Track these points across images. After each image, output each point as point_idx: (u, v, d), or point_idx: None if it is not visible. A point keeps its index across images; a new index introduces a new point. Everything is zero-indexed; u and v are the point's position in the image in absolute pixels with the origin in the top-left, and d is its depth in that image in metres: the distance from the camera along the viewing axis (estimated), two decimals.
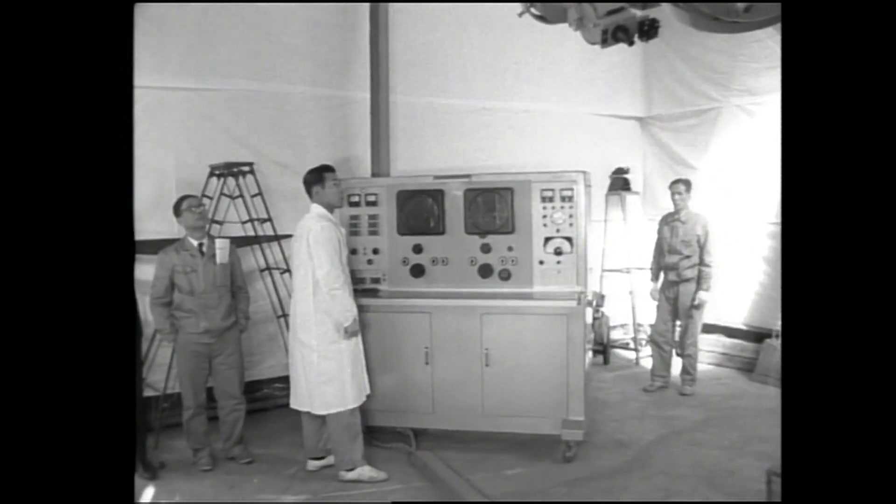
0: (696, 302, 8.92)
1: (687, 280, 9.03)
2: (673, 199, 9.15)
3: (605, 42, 3.82)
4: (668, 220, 9.31)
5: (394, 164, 9.07)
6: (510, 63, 10.19)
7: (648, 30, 3.78)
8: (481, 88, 10.10)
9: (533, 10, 4.29)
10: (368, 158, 8.97)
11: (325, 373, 6.24)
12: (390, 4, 9.06)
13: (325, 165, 6.60)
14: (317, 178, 6.44)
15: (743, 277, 10.29)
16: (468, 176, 7.24)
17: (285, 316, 8.12)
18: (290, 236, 7.12)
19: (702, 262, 8.92)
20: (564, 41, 7.14)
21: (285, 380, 7.29)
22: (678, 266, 9.07)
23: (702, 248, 8.92)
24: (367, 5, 9.04)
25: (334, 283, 6.16)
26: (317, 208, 6.39)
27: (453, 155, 9.70)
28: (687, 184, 9.19)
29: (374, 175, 8.74)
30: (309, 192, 6.46)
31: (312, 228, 6.21)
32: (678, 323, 9.37)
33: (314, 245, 6.17)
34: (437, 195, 7.21)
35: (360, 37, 9.09)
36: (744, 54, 10.08)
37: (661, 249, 9.32)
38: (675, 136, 11.33)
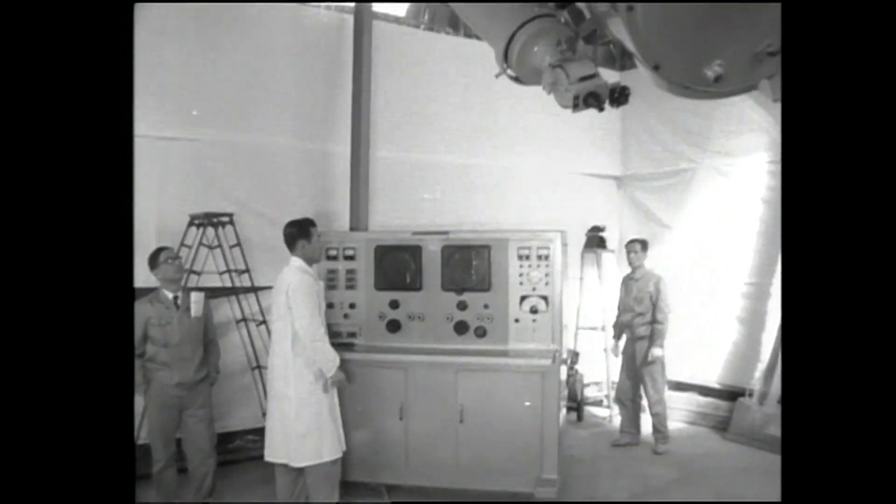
0: (649, 359, 8.97)
1: (641, 337, 9.11)
2: (628, 257, 9.28)
3: (576, 107, 3.91)
4: (626, 279, 9.43)
5: (372, 217, 9.14)
6: (490, 120, 10.33)
7: (619, 97, 3.89)
8: (461, 145, 10.23)
9: (509, 71, 4.38)
10: (347, 212, 9.04)
11: (303, 424, 6.21)
12: (374, 62, 9.20)
13: (309, 220, 6.62)
14: (302, 232, 6.44)
15: (717, 336, 10.37)
16: (446, 233, 7.31)
17: (260, 368, 8.11)
18: (267, 288, 7.14)
19: (654, 320, 8.99)
20: (543, 100, 7.26)
21: (258, 431, 7.26)
22: (632, 324, 9.18)
23: (654, 305, 8.99)
24: (350, 62, 9.18)
25: (315, 333, 6.14)
26: (297, 261, 6.39)
27: (432, 210, 9.79)
28: (643, 243, 9.30)
29: (352, 229, 8.80)
30: (291, 244, 6.44)
31: (292, 281, 6.22)
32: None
33: (294, 297, 6.17)
34: (415, 251, 7.27)
35: (343, 91, 9.22)
36: (719, 116, 10.27)
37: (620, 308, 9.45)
38: (651, 195, 11.48)
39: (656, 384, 9.12)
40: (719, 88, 3.88)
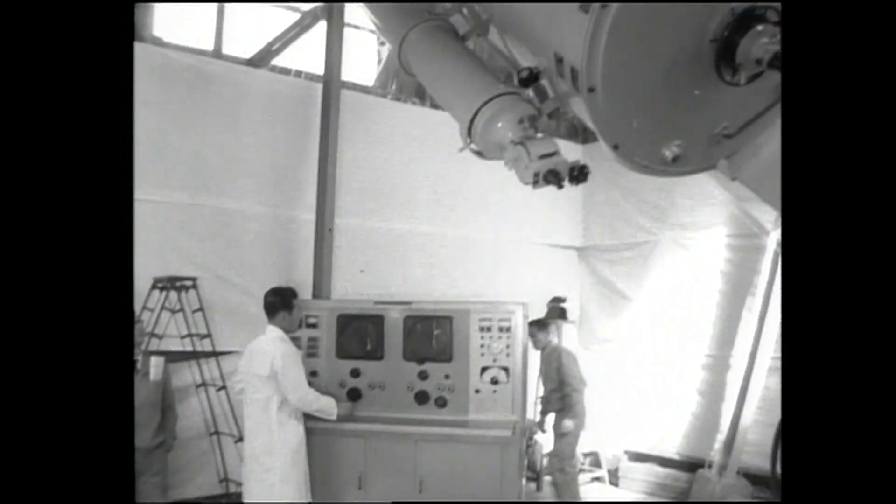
0: (562, 430, 9.03)
1: (555, 410, 9.21)
2: (531, 341, 9.32)
3: (536, 183, 3.98)
4: (540, 357, 9.56)
5: (335, 285, 9.15)
6: (454, 190, 10.44)
7: (578, 175, 3.96)
8: (425, 214, 10.33)
9: (472, 146, 4.46)
10: (310, 279, 9.04)
11: (287, 496, 6.15)
12: (341, 130, 9.30)
13: (292, 290, 6.63)
14: (284, 303, 6.42)
15: (676, 407, 10.43)
16: (408, 303, 7.34)
17: (219, 433, 8.02)
18: (229, 353, 7.10)
19: (563, 393, 9.08)
20: (506, 172, 7.36)
21: (215, 498, 7.15)
22: (548, 398, 9.37)
23: (561, 379, 9.06)
24: (318, 129, 9.27)
25: (312, 402, 6.35)
26: (276, 331, 6.35)
27: (394, 279, 9.83)
28: (539, 324, 9.38)
29: (315, 297, 8.79)
30: (272, 313, 6.41)
31: (278, 352, 6.18)
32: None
33: (287, 369, 6.17)
34: (377, 320, 7.28)
35: (310, 158, 9.29)
36: (679, 190, 10.47)
37: None
38: (611, 267, 11.62)
39: (563, 455, 9.14)
40: (677, 168, 3.98)
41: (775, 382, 9.26)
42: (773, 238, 9.31)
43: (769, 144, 4.27)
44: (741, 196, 8.46)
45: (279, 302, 6.42)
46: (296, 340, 7.37)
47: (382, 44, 10.64)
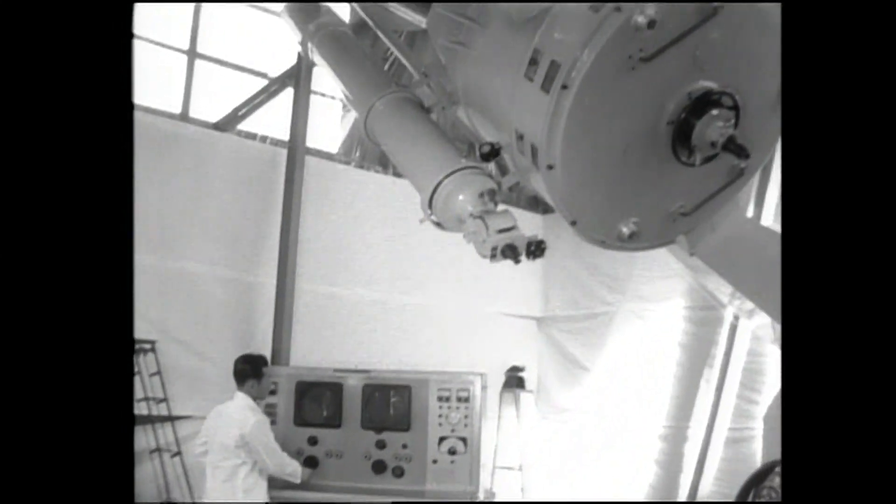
0: None
1: None
2: None
3: (493, 257, 4.04)
4: None
5: (295, 350, 9.10)
6: (415, 258, 10.46)
7: (535, 250, 4.03)
8: (385, 281, 10.34)
9: (433, 217, 4.51)
10: (270, 345, 8.99)
11: None
12: (304, 196, 9.35)
13: (263, 358, 6.59)
14: (255, 371, 6.36)
15: (634, 477, 10.42)
16: (367, 371, 7.34)
17: (171, 501, 7.89)
18: (185, 417, 7.01)
19: None
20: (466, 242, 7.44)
21: None
22: None
23: None
24: (281, 193, 9.32)
25: (287, 462, 6.38)
26: (245, 399, 6.28)
27: (353, 346, 9.78)
28: None
29: (274, 363, 8.74)
30: (241, 380, 6.34)
31: (250, 422, 6.12)
32: None
33: (258, 439, 6.13)
34: (336, 388, 7.27)
35: (273, 222, 9.31)
36: (637, 262, 10.57)
37: None
38: (570, 337, 11.66)
39: None
40: (634, 244, 4.07)
41: (733, 453, 9.31)
42: (730, 311, 9.43)
43: (726, 221, 4.39)
44: (699, 268, 8.60)
45: (250, 370, 6.37)
46: None
47: (348, 111, 10.74)
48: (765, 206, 8.63)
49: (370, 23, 5.84)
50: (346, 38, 5.97)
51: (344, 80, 5.67)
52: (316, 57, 5.98)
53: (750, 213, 8.55)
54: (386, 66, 9.01)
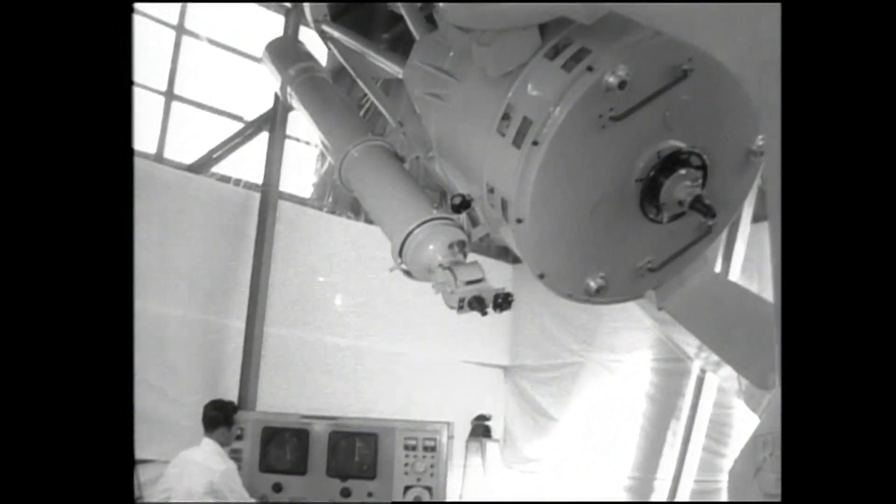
0: None
1: None
2: None
3: (461, 308, 4.08)
4: None
5: (262, 394, 9.04)
6: (384, 305, 10.45)
7: (502, 302, 4.08)
8: (354, 328, 10.31)
9: (403, 266, 4.54)
10: (237, 389, 8.93)
11: None
12: (276, 240, 9.35)
13: (234, 405, 6.55)
14: (226, 418, 6.33)
15: None
16: (334, 418, 7.31)
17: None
18: (149, 461, 6.92)
19: None
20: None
21: None
22: None
23: None
24: (253, 237, 9.32)
25: None
26: (213, 445, 6.21)
27: (321, 392, 9.74)
28: None
29: (240, 408, 8.67)
30: (211, 427, 6.29)
31: (219, 470, 6.06)
32: None
33: (230, 485, 6.08)
34: (302, 434, 7.23)
35: (245, 265, 9.29)
36: (606, 313, 10.63)
37: None
38: (537, 386, 11.65)
39: None
40: (601, 298, 4.12)
41: None
42: (697, 364, 9.48)
43: (695, 277, 4.46)
44: (666, 321, 8.65)
45: (220, 417, 6.32)
46: None
47: (322, 156, 10.79)
48: (733, 261, 8.72)
49: (348, 69, 5.92)
50: (324, 84, 6.04)
51: (321, 126, 5.72)
52: (294, 101, 6.03)
53: (718, 267, 8.65)
54: (362, 112, 9.09)
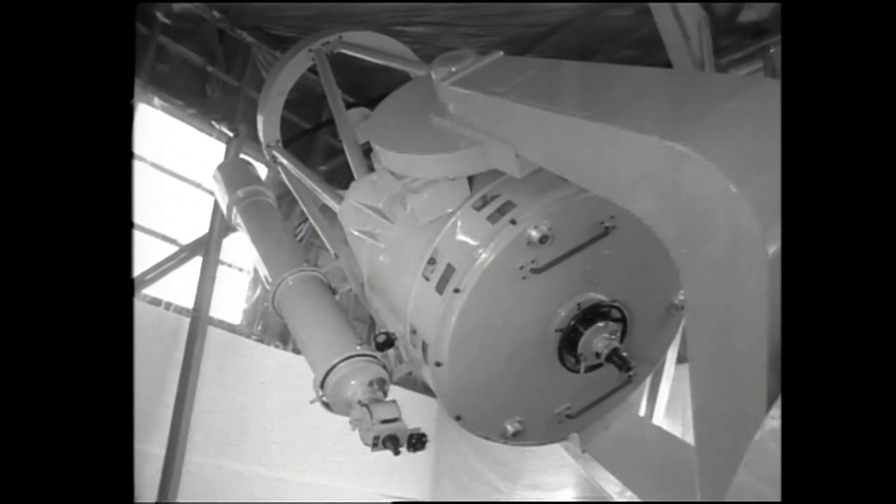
0: None
1: None
2: None
3: (375, 446, 4.09)
4: None
5: None
6: (309, 436, 10.34)
7: (416, 443, 4.11)
8: (278, 459, 10.16)
9: (324, 398, 4.56)
10: None
11: None
12: (203, 366, 9.26)
13: None
14: None
15: None
16: None
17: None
18: None
19: None
20: None
21: None
22: None
23: None
24: (180, 362, 9.22)
25: None
26: None
27: None
28: None
29: None
30: None
31: None
32: None
33: None
34: None
35: (168, 391, 9.16)
36: (530, 452, 10.63)
37: None
38: None
39: None
40: (518, 442, 4.17)
41: None
42: None
43: (619, 420, 4.53)
44: (590, 461, 8.67)
45: None
46: None
47: (254, 283, 10.83)
48: (657, 403, 8.85)
49: (295, 195, 6.03)
50: (269, 209, 6.11)
51: (260, 251, 5.76)
52: (238, 222, 6.09)
53: (643, 410, 8.76)
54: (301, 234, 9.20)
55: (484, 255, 3.59)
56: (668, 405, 8.93)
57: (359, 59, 5.98)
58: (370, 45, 6.04)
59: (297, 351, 9.44)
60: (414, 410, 4.27)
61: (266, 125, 6.27)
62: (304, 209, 5.92)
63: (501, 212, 3.68)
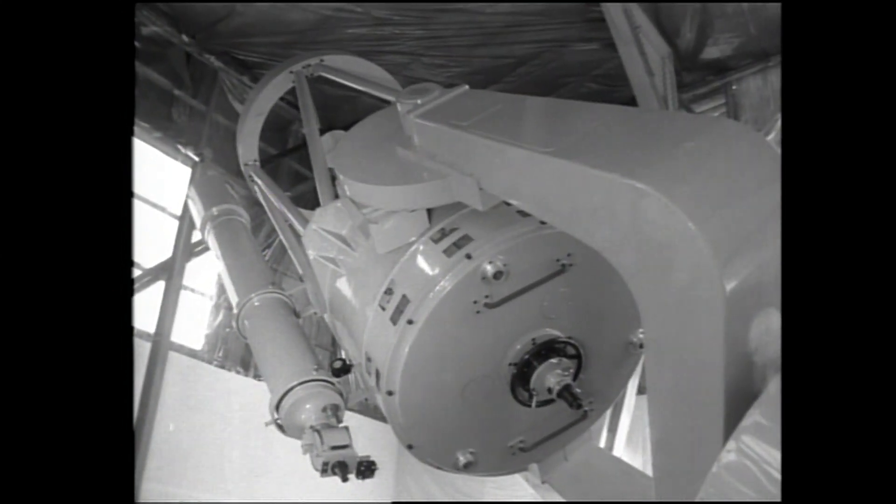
0: None
1: None
2: None
3: (324, 472, 4.10)
4: None
5: None
6: (268, 462, 10.26)
7: (364, 470, 4.12)
8: (237, 485, 10.07)
9: (279, 420, 4.56)
10: None
11: None
12: (163, 391, 9.18)
13: None
14: None
15: None
16: None
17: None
18: None
19: None
20: None
21: None
22: None
23: None
24: (139, 388, 9.14)
25: None
26: None
27: None
28: None
29: None
30: None
31: None
32: None
33: None
34: None
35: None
36: (490, 480, 10.62)
37: None
38: None
39: None
40: (470, 473, 4.17)
41: None
42: None
43: (579, 451, 4.54)
44: (550, 490, 8.68)
45: None
46: None
47: (216, 308, 10.79)
48: (618, 434, 8.88)
49: (269, 214, 6.03)
50: (242, 230, 6.12)
51: (229, 268, 5.77)
52: (209, 239, 6.10)
53: (603, 441, 8.78)
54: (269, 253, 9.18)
55: (438, 288, 3.62)
56: (628, 436, 8.96)
57: (326, 88, 6.01)
58: (350, 70, 6.07)
59: (258, 377, 9.43)
60: (376, 437, 4.27)
61: (244, 145, 6.30)
62: (278, 229, 5.94)
63: (458, 245, 3.71)
